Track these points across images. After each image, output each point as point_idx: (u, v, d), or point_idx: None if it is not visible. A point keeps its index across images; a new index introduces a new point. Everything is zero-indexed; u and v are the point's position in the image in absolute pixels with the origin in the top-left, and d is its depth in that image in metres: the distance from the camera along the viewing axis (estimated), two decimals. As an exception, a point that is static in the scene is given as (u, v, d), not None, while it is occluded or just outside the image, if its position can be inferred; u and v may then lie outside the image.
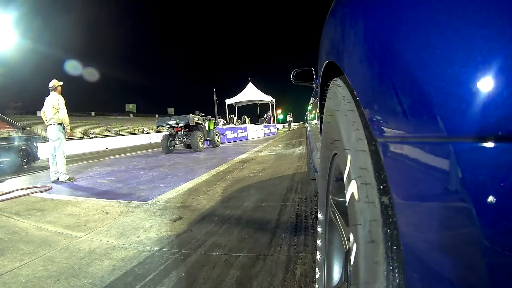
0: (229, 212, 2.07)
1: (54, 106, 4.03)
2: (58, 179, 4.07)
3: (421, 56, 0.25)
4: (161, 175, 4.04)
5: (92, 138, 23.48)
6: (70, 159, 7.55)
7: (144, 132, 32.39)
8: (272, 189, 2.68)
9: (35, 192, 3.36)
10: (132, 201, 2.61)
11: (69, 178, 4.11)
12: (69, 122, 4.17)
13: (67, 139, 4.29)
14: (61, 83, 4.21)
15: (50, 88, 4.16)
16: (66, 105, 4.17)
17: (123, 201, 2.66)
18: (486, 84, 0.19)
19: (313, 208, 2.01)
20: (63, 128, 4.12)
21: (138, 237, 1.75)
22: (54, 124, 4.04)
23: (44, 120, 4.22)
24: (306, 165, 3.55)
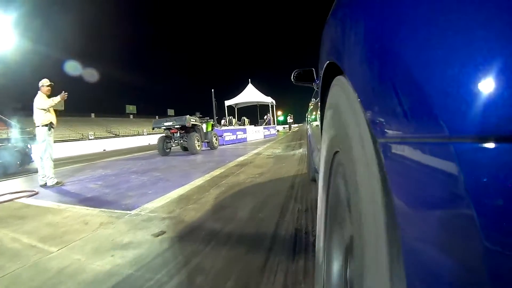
0: (218, 226, 1.82)
1: (37, 106, 3.84)
2: (46, 183, 3.87)
3: (422, 56, 0.25)
4: (153, 179, 3.83)
5: (91, 139, 23.28)
6: (66, 161, 7.42)
7: (144, 134, 32.20)
8: (269, 198, 2.43)
9: (21, 197, 3.21)
10: (116, 210, 2.41)
11: (57, 182, 3.92)
12: (52, 106, 3.90)
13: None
14: (47, 84, 3.98)
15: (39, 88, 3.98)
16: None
17: (106, 210, 2.46)
18: (486, 85, 0.19)
19: (314, 221, 1.76)
20: (49, 130, 3.91)
21: (112, 255, 1.54)
22: (40, 126, 3.85)
23: None
24: (307, 169, 3.35)
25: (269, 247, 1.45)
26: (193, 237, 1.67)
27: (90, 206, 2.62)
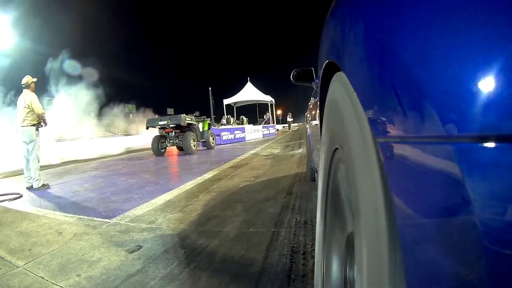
0: (202, 242, 1.59)
1: (26, 106, 3.60)
2: (32, 185, 3.66)
3: (422, 56, 0.25)
4: (141, 182, 3.62)
5: (91, 138, 22.89)
6: (60, 161, 7.18)
7: (143, 133, 31.74)
8: (263, 206, 2.20)
9: (4, 201, 3.05)
10: (94, 218, 2.21)
11: (43, 184, 3.72)
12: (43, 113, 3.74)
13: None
14: (35, 80, 3.80)
15: (23, 86, 3.75)
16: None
17: (84, 217, 2.26)
18: (486, 84, 0.19)
19: (314, 237, 1.53)
20: (37, 130, 3.71)
21: (78, 275, 1.35)
22: (28, 126, 3.62)
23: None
24: (306, 171, 3.15)
25: (258, 273, 1.21)
26: (170, 256, 1.45)
27: (70, 212, 2.45)
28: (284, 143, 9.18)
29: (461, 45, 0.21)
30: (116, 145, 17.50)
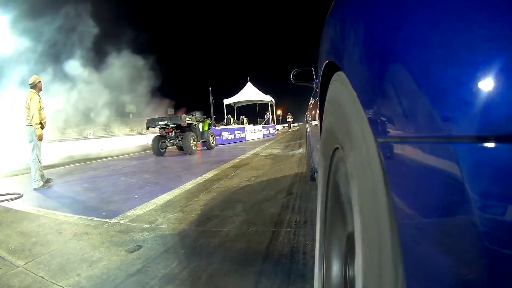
0: (202, 241, 1.59)
1: (27, 105, 3.60)
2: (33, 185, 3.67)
3: (422, 56, 0.25)
4: (141, 182, 3.62)
5: (90, 138, 22.97)
6: (60, 161, 7.19)
7: (143, 133, 31.81)
8: (263, 206, 2.20)
9: (4, 201, 3.06)
10: (94, 218, 2.21)
11: (43, 184, 3.73)
12: (39, 123, 3.63)
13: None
14: (42, 79, 3.75)
15: (30, 85, 3.70)
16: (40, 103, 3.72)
17: (85, 217, 2.26)
18: (486, 84, 0.19)
19: (313, 237, 1.53)
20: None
21: (78, 275, 1.35)
22: (28, 126, 3.62)
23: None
24: (306, 171, 3.14)
25: (258, 273, 1.21)
26: (170, 256, 1.45)
27: (70, 212, 2.45)
28: (284, 143, 9.19)
29: (460, 45, 0.21)
30: (117, 145, 17.52)
